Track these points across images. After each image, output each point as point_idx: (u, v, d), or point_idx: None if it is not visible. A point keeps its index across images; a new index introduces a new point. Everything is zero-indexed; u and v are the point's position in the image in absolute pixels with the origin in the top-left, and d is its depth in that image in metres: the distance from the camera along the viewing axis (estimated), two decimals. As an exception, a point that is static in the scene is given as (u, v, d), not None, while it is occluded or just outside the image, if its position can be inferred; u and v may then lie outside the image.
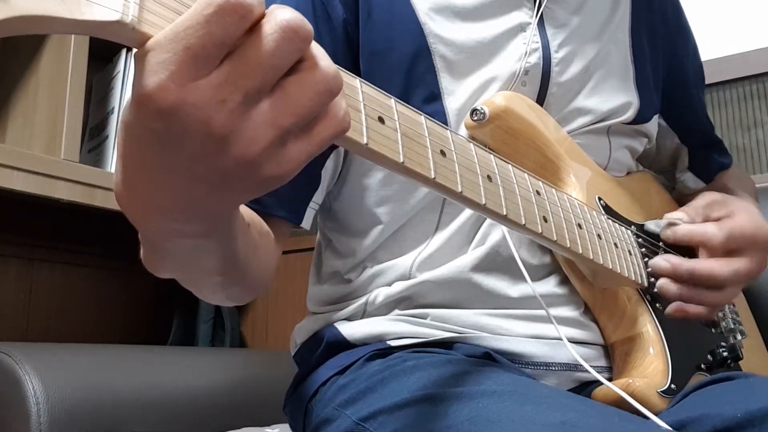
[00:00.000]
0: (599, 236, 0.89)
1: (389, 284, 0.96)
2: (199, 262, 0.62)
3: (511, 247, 0.90)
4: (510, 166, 0.77)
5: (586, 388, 0.94)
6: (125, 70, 1.68)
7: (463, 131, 0.93)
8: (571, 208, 0.86)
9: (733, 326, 1.08)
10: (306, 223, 0.93)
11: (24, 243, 1.75)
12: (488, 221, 0.94)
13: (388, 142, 0.56)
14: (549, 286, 0.96)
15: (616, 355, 0.97)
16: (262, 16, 0.43)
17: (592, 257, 0.86)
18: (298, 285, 1.42)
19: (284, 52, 0.43)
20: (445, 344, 0.91)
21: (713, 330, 1.05)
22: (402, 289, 0.94)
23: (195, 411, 1.39)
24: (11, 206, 1.53)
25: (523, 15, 0.98)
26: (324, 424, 0.87)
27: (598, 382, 0.89)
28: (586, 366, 0.83)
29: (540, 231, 0.77)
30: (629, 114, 1.05)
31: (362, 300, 0.96)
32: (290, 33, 0.43)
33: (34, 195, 1.39)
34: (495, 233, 0.94)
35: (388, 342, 0.93)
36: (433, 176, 0.61)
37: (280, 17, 0.43)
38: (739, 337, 1.08)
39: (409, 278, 0.95)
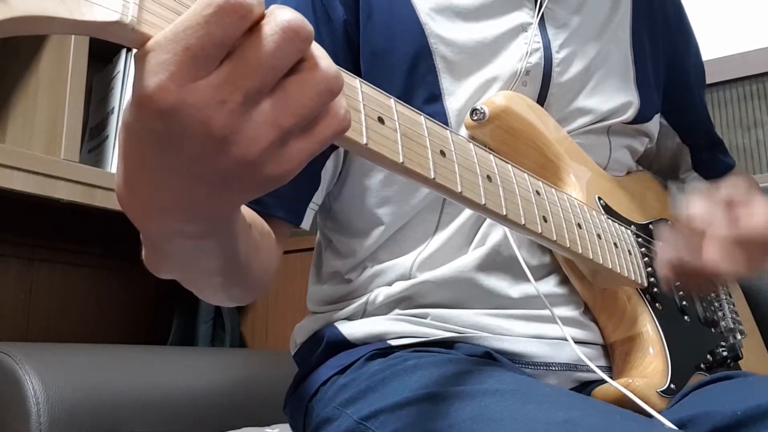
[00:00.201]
0: (599, 236, 0.89)
1: (389, 284, 0.96)
2: (199, 262, 0.62)
3: (512, 246, 0.90)
4: (510, 166, 0.77)
5: (585, 388, 0.94)
6: (125, 70, 1.67)
7: (463, 132, 0.93)
8: (570, 208, 0.86)
9: (732, 326, 1.09)
10: (305, 223, 0.93)
11: (24, 243, 1.75)
12: (488, 221, 0.94)
13: (388, 142, 0.56)
14: (549, 286, 0.96)
15: (615, 354, 0.97)
16: (262, 16, 0.43)
17: (591, 257, 0.86)
18: (298, 285, 1.42)
19: (285, 52, 0.43)
20: (445, 344, 0.91)
21: (713, 330, 1.05)
22: (402, 288, 0.94)
23: (195, 411, 1.39)
24: (11, 206, 1.53)
25: (524, 15, 0.98)
26: (324, 423, 0.87)
27: (597, 383, 0.89)
28: (591, 365, 0.84)
29: (540, 231, 0.77)
30: (629, 114, 1.05)
31: (362, 300, 0.96)
32: (291, 33, 0.43)
33: (34, 195, 1.39)
34: (495, 233, 0.94)
35: (389, 341, 0.93)
36: (432, 176, 0.61)
37: (281, 18, 0.43)
38: (738, 336, 1.08)
39: (410, 278, 0.95)
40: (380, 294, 0.95)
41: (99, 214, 1.53)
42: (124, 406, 1.26)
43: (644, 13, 1.12)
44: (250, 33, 0.43)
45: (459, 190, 0.64)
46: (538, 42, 0.97)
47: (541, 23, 0.98)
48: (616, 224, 0.96)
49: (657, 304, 0.97)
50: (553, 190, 0.85)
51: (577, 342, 0.93)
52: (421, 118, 0.62)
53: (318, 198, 0.95)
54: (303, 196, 0.93)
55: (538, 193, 0.80)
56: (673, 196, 1.01)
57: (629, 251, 0.95)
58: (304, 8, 0.91)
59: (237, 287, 0.73)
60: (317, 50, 0.46)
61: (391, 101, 0.58)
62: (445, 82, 0.94)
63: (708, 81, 1.29)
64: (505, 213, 0.71)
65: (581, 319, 0.96)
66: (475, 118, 0.91)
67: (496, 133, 0.92)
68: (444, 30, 0.95)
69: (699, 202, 0.91)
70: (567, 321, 0.94)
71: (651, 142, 1.15)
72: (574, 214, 0.86)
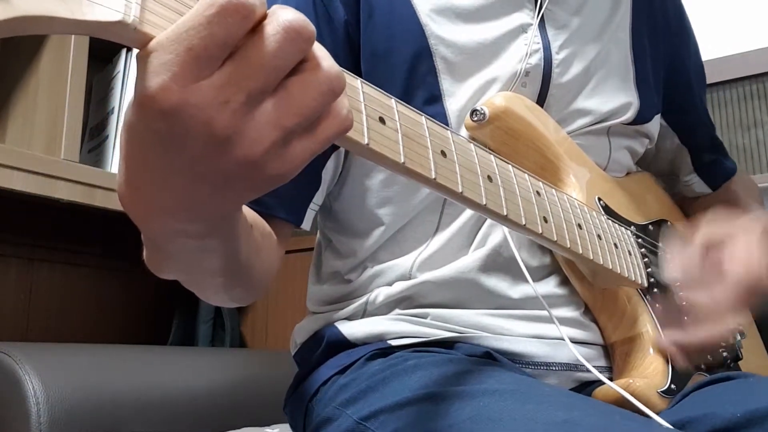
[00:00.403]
0: (599, 236, 0.89)
1: (390, 284, 0.96)
2: (202, 262, 0.62)
3: (512, 247, 0.90)
4: (510, 166, 0.77)
5: (585, 388, 0.94)
6: (125, 70, 1.67)
7: (463, 133, 0.93)
8: (571, 209, 0.86)
9: (732, 326, 1.08)
10: (306, 224, 0.93)
11: (24, 243, 1.75)
12: (488, 222, 0.94)
13: (389, 142, 0.56)
14: (549, 286, 0.96)
15: (616, 355, 0.97)
16: (265, 16, 0.43)
17: (592, 257, 0.86)
18: (298, 285, 1.42)
19: (287, 52, 0.43)
20: (445, 344, 0.91)
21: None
22: (402, 288, 0.94)
23: (195, 411, 1.39)
24: (11, 206, 1.53)
25: (524, 16, 0.98)
26: (325, 423, 0.87)
27: (597, 383, 0.89)
28: (588, 366, 0.84)
29: (540, 231, 0.77)
30: (629, 114, 1.05)
31: (362, 300, 0.96)
32: (293, 33, 0.43)
33: (34, 195, 1.39)
34: (495, 234, 0.94)
35: (389, 341, 0.93)
36: (433, 177, 0.61)
37: (283, 18, 0.43)
38: (738, 337, 1.08)
39: (410, 278, 0.95)
40: (380, 294, 0.95)
41: (99, 214, 1.53)
42: (124, 406, 1.26)
43: (644, 13, 1.12)
44: (253, 33, 0.43)
45: (460, 191, 0.64)
46: (538, 43, 0.97)
47: (541, 24, 0.98)
48: (616, 225, 0.96)
49: (657, 305, 0.97)
50: (553, 190, 0.85)
51: (577, 342, 0.93)
52: (422, 119, 0.62)
53: (318, 198, 0.95)
54: (304, 197, 0.93)
55: (538, 193, 0.80)
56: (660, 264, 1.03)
57: (629, 252, 0.95)
58: (305, 8, 0.91)
59: (238, 288, 0.73)
60: (319, 50, 0.46)
61: (392, 101, 0.58)
62: (446, 83, 0.94)
63: (708, 81, 1.29)
64: (505, 213, 0.71)
65: (581, 320, 0.97)
66: (475, 118, 0.91)
67: (496, 133, 0.92)
68: (444, 31, 0.95)
69: (678, 266, 0.95)
70: (567, 321, 0.94)
71: (651, 143, 1.15)
72: (575, 215, 0.86)
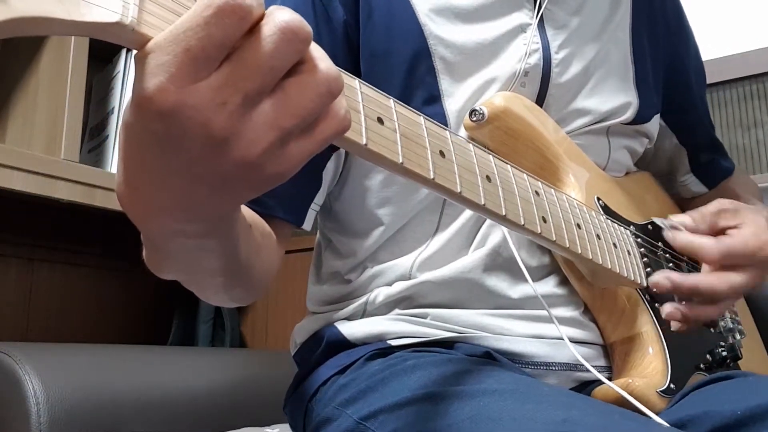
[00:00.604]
0: (598, 236, 0.89)
1: (389, 284, 0.96)
2: (201, 262, 0.62)
3: (511, 247, 0.90)
4: (509, 166, 0.77)
5: (585, 387, 0.94)
6: (125, 70, 1.68)
7: (462, 133, 0.93)
8: (570, 209, 0.86)
9: (732, 326, 1.09)
10: (307, 224, 0.93)
11: (24, 243, 1.75)
12: (488, 222, 0.94)
13: (387, 142, 0.56)
14: (548, 286, 0.96)
15: (615, 354, 0.97)
16: (262, 17, 0.43)
17: (591, 257, 0.86)
18: (298, 285, 1.42)
19: (283, 53, 0.43)
20: (445, 344, 0.91)
21: (712, 330, 1.05)
22: (402, 289, 0.94)
23: (195, 411, 1.39)
24: (11, 206, 1.53)
25: (524, 16, 0.98)
26: (324, 423, 0.87)
27: (597, 383, 0.89)
28: (588, 365, 0.84)
29: (539, 231, 0.77)
30: (629, 114, 1.05)
31: (362, 300, 0.97)
32: (289, 34, 0.43)
33: (34, 195, 1.39)
34: (495, 234, 0.94)
35: (389, 341, 0.93)
36: (432, 177, 0.61)
37: (279, 18, 0.43)
38: (738, 336, 1.08)
39: (410, 278, 0.95)
40: (380, 294, 0.95)
41: (99, 214, 1.53)
42: (124, 406, 1.26)
43: (644, 13, 1.12)
44: (250, 34, 0.43)
45: (458, 191, 0.64)
46: (537, 43, 0.97)
47: (540, 24, 0.98)
48: (615, 224, 0.96)
49: (656, 304, 0.97)
50: (552, 190, 0.85)
51: (576, 342, 0.93)
52: (421, 119, 0.62)
53: (319, 199, 0.95)
54: (304, 197, 0.93)
55: (537, 193, 0.80)
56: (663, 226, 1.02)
57: (628, 251, 0.95)
58: (303, 9, 0.91)
59: (238, 288, 0.73)
60: (317, 51, 0.46)
61: (391, 102, 0.58)
62: (444, 83, 0.94)
63: (708, 81, 1.29)
64: (504, 213, 0.71)
65: (581, 319, 0.97)
66: (474, 119, 0.91)
67: (495, 133, 0.92)
68: (443, 31, 0.95)
69: (684, 230, 0.94)
70: (566, 321, 0.95)
71: (650, 143, 1.15)
72: (573, 215, 0.86)
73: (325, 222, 1.06)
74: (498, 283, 0.94)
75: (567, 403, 0.70)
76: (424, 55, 0.94)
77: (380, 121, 0.55)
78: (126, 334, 1.96)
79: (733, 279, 0.93)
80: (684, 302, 0.92)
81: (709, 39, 1.67)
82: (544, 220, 0.79)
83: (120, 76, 1.68)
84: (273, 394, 1.39)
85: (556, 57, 0.98)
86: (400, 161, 0.57)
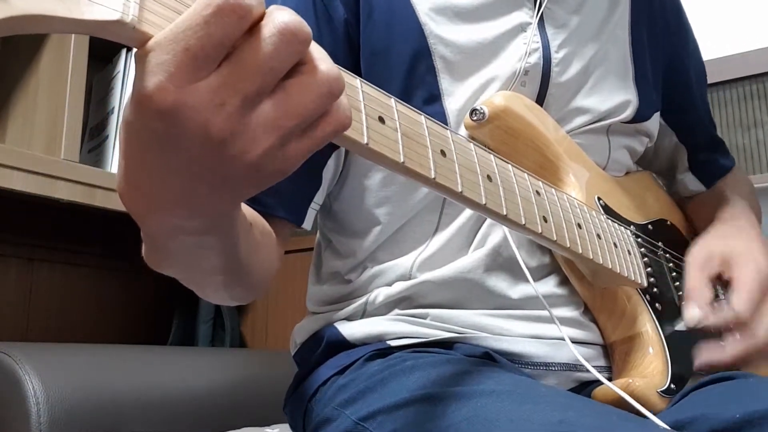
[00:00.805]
0: (599, 236, 0.89)
1: (389, 284, 0.96)
2: (201, 260, 0.62)
3: (512, 247, 0.90)
4: (510, 166, 0.76)
5: (585, 388, 0.94)
6: (125, 70, 1.68)
7: (462, 132, 0.93)
8: (570, 208, 0.86)
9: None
10: (307, 223, 0.93)
11: (24, 243, 1.75)
12: (488, 222, 0.94)
13: (389, 142, 0.56)
14: (549, 286, 0.96)
15: (615, 354, 0.97)
16: (262, 17, 0.43)
17: (591, 257, 0.85)
18: (298, 285, 1.42)
19: (282, 54, 0.43)
20: (444, 344, 0.91)
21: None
22: (402, 289, 0.94)
23: (195, 411, 1.39)
24: (11, 206, 1.53)
25: (524, 15, 0.98)
26: (324, 423, 0.87)
27: (597, 383, 0.89)
28: (588, 366, 0.83)
29: (540, 231, 0.77)
30: (628, 113, 1.05)
31: (362, 300, 0.96)
32: (288, 35, 0.43)
33: (34, 195, 1.39)
34: (495, 234, 0.94)
35: (388, 342, 0.93)
36: (433, 176, 0.61)
37: (279, 19, 0.43)
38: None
39: (410, 278, 0.95)
40: (380, 294, 0.95)
41: (99, 214, 1.53)
42: (124, 406, 1.26)
43: (644, 12, 1.12)
44: (249, 35, 0.43)
45: (459, 190, 0.64)
46: (537, 42, 0.97)
47: (541, 23, 0.98)
48: (616, 224, 0.96)
49: (657, 305, 0.97)
50: (552, 190, 0.85)
51: (576, 342, 0.93)
52: (422, 118, 0.62)
53: (319, 198, 0.95)
54: (304, 196, 0.93)
55: (538, 193, 0.80)
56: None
57: (629, 251, 0.95)
58: (304, 8, 0.91)
59: (238, 287, 0.73)
60: (317, 51, 0.46)
61: (392, 101, 0.58)
62: (445, 82, 0.94)
63: (708, 81, 1.29)
64: (505, 213, 0.71)
65: (581, 320, 0.96)
66: (475, 118, 0.91)
67: (495, 133, 0.92)
68: (443, 30, 0.95)
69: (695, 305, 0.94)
70: (567, 321, 0.94)
71: (651, 142, 1.15)
72: (574, 215, 0.86)
73: (324, 222, 1.06)
74: (498, 283, 0.93)
75: (564, 404, 0.70)
76: (425, 54, 0.94)
77: (381, 120, 0.55)
78: (126, 334, 1.96)
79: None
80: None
81: (709, 39, 1.67)
82: (545, 220, 0.78)
83: (120, 76, 1.68)
84: (273, 394, 1.39)
85: (556, 56, 0.98)
86: (402, 161, 0.57)
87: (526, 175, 0.80)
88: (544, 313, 0.92)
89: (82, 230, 1.84)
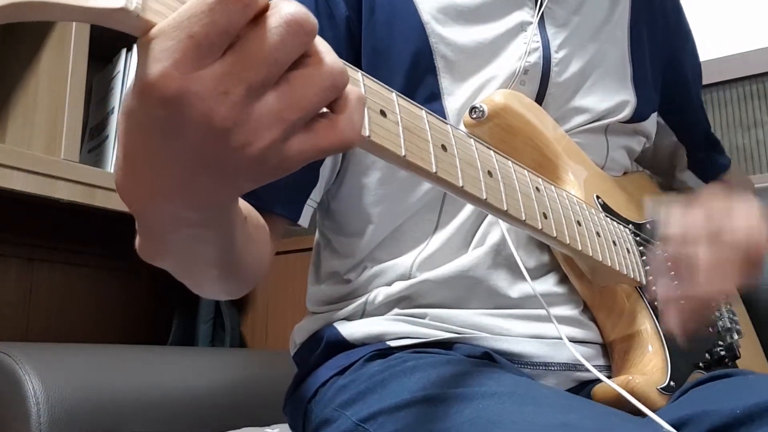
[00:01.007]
0: (598, 234, 0.89)
1: (389, 284, 0.96)
2: (197, 253, 0.62)
3: (510, 246, 0.90)
4: (510, 162, 0.77)
5: (584, 387, 0.94)
6: (125, 70, 1.68)
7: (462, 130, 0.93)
8: (570, 205, 0.86)
9: (729, 326, 1.08)
10: (303, 220, 0.93)
11: (24, 243, 1.75)
12: (487, 221, 0.94)
13: (390, 135, 0.55)
14: (548, 285, 0.96)
15: (614, 353, 0.97)
16: (267, 7, 0.43)
17: (591, 254, 0.86)
18: (298, 285, 1.42)
19: (288, 46, 0.43)
20: (444, 344, 0.91)
21: (710, 329, 1.05)
22: (402, 288, 0.94)
23: (195, 411, 1.39)
24: (11, 206, 1.53)
25: (524, 14, 0.98)
26: (324, 424, 0.87)
27: (596, 382, 0.89)
28: (587, 365, 0.83)
29: (540, 227, 0.77)
30: (626, 113, 1.05)
31: (362, 300, 0.97)
32: (295, 27, 0.43)
33: (34, 195, 1.39)
34: (494, 233, 0.94)
35: (388, 342, 0.93)
36: (434, 170, 0.61)
37: (285, 10, 0.43)
38: (735, 336, 1.08)
39: (410, 278, 0.95)
40: (380, 294, 0.95)
41: (99, 214, 1.53)
42: (124, 406, 1.26)
43: (644, 12, 1.12)
44: (255, 24, 0.43)
45: (461, 185, 0.64)
46: (537, 42, 0.97)
47: (541, 23, 0.99)
48: (615, 223, 0.96)
49: (655, 302, 0.97)
50: (552, 187, 0.85)
51: (575, 341, 0.93)
52: (422, 113, 0.62)
53: (316, 195, 0.95)
54: (301, 193, 0.93)
55: (537, 189, 0.80)
56: (650, 211, 1.00)
57: (628, 249, 0.95)
58: (306, 3, 0.91)
59: (233, 280, 0.73)
60: (322, 45, 0.46)
61: (393, 95, 0.58)
62: (445, 81, 0.95)
63: (708, 81, 1.30)
64: (506, 208, 0.71)
65: (580, 318, 0.97)
66: (474, 116, 0.91)
67: (494, 131, 0.92)
68: (445, 30, 0.95)
69: (677, 221, 0.92)
70: (566, 320, 0.94)
71: (649, 142, 1.15)
72: (574, 212, 0.86)
73: (323, 221, 1.06)
74: (497, 282, 0.94)
75: (566, 406, 0.70)
76: (426, 53, 0.94)
77: (383, 113, 0.55)
78: (126, 334, 1.96)
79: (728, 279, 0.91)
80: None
81: (709, 39, 1.68)
82: (545, 216, 0.78)
83: (120, 76, 1.68)
84: (273, 394, 1.39)
85: (556, 56, 0.98)
86: (403, 154, 0.57)
87: (526, 171, 0.80)
88: (544, 312, 0.92)
89: (82, 230, 1.84)
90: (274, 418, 1.43)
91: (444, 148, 0.63)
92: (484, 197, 0.68)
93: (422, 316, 0.93)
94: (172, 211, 0.52)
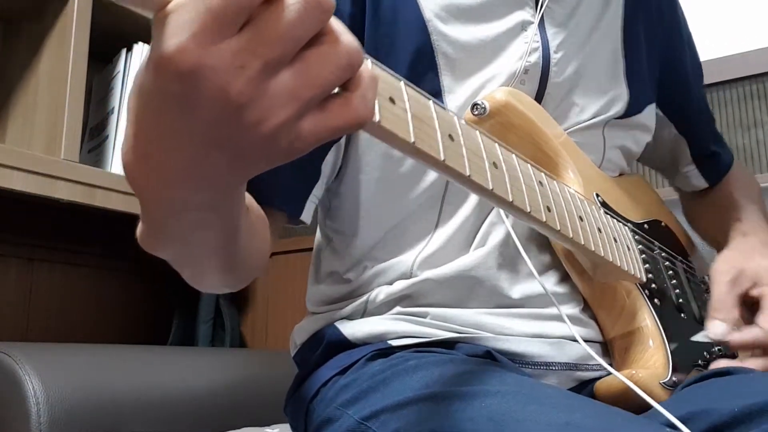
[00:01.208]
0: (599, 230, 0.89)
1: (390, 283, 0.96)
2: (200, 241, 0.61)
3: (515, 241, 0.90)
4: (514, 155, 0.77)
5: (585, 387, 0.94)
6: (125, 70, 1.68)
7: None
8: (572, 200, 0.86)
9: None
10: (306, 216, 0.93)
11: (24, 243, 1.75)
12: (488, 221, 0.95)
13: (400, 121, 0.55)
14: (548, 284, 0.96)
15: (615, 350, 0.97)
16: None
17: (593, 249, 0.86)
18: (298, 285, 1.42)
19: (306, 23, 0.43)
20: (446, 344, 0.91)
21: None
22: (403, 287, 0.94)
23: (195, 411, 1.39)
24: (11, 206, 1.53)
25: (525, 14, 0.98)
26: (326, 423, 0.87)
27: (597, 381, 0.89)
28: (598, 358, 0.83)
29: (544, 219, 0.77)
30: (619, 107, 1.05)
31: (363, 299, 0.97)
32: (313, 3, 0.43)
33: (34, 195, 1.39)
34: (496, 233, 0.94)
35: (390, 342, 0.92)
36: (443, 158, 0.61)
37: None
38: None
39: (411, 277, 0.95)
40: (381, 293, 0.95)
41: (99, 214, 1.54)
42: (124, 406, 1.26)
43: (639, 8, 1.12)
44: (273, 1, 0.43)
45: (468, 174, 0.64)
46: (538, 41, 0.98)
47: (541, 22, 0.99)
48: (615, 220, 0.97)
49: (655, 300, 0.97)
50: (554, 182, 0.85)
51: (576, 340, 0.93)
52: (429, 102, 0.62)
53: (318, 191, 0.95)
54: (303, 188, 0.93)
55: (541, 183, 0.80)
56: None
57: (628, 247, 0.95)
58: None
59: (233, 272, 0.72)
60: (338, 25, 0.46)
61: (401, 83, 0.59)
62: (446, 79, 0.95)
63: (708, 81, 1.30)
64: (511, 200, 0.71)
65: (581, 317, 0.97)
66: (476, 112, 0.91)
67: (495, 128, 0.92)
68: (447, 28, 0.95)
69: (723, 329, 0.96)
70: (567, 318, 0.94)
71: (649, 136, 1.15)
72: (576, 207, 0.86)
73: (324, 220, 1.06)
74: (499, 282, 0.94)
75: (569, 405, 0.70)
76: (427, 51, 0.94)
77: (392, 100, 0.55)
78: (126, 334, 1.96)
79: None
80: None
81: (709, 39, 1.68)
82: (549, 210, 0.79)
83: (120, 76, 1.68)
84: (273, 394, 1.39)
85: (555, 56, 0.99)
86: (412, 140, 0.56)
87: (529, 165, 0.80)
88: (545, 311, 0.93)
89: (82, 230, 1.84)
90: (274, 418, 1.43)
91: (451, 137, 0.63)
92: (491, 187, 0.68)
93: (423, 315, 0.93)
94: (180, 193, 0.51)
